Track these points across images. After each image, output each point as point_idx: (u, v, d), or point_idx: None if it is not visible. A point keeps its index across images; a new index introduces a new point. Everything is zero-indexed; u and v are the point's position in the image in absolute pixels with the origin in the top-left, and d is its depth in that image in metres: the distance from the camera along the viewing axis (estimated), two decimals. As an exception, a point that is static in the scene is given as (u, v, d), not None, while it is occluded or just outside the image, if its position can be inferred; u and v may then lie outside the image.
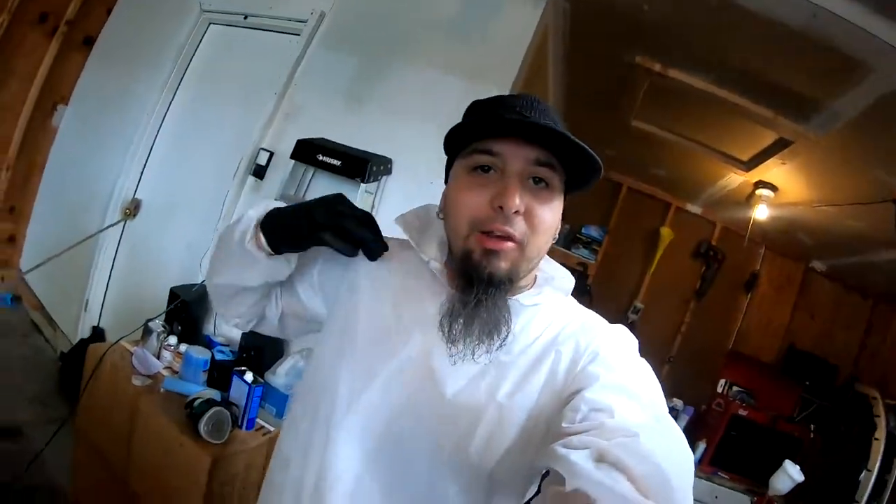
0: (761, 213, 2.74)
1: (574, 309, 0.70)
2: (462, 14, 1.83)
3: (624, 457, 0.45)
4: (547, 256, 0.70)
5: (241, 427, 1.67)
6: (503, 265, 0.60)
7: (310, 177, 1.85)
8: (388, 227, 0.73)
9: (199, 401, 1.60)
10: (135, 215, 2.30)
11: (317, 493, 0.62)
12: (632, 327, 2.83)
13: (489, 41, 1.76)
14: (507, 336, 0.62)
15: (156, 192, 2.31)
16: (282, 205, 0.72)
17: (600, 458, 0.46)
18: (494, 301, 0.61)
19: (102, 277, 2.36)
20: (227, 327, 1.95)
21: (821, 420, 3.13)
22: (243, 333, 1.83)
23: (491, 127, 0.61)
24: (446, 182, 0.70)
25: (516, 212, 0.59)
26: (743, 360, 3.20)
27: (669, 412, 0.61)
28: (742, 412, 2.66)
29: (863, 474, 2.60)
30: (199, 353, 1.77)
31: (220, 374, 1.74)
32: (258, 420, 1.71)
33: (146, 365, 1.77)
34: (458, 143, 0.65)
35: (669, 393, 2.92)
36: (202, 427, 1.54)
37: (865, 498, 2.53)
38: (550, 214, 0.62)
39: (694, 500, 0.48)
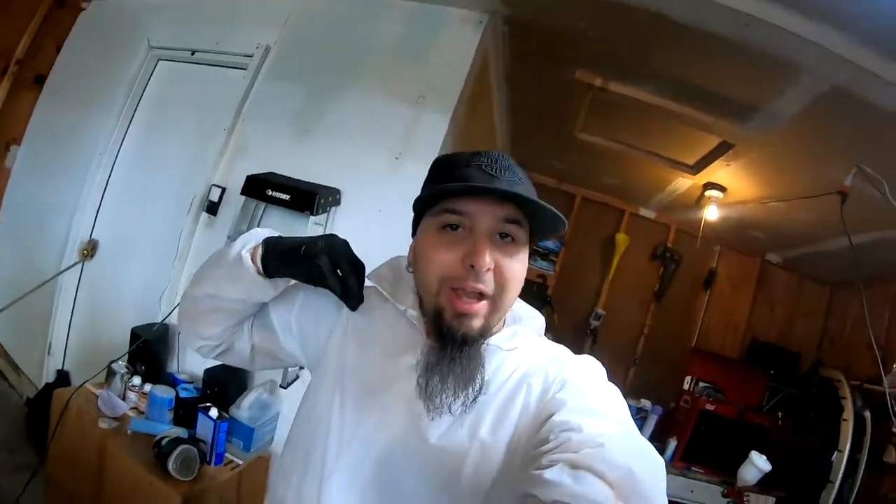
0: (711, 213, 2.82)
1: (541, 344, 0.73)
2: (404, 41, 1.87)
3: (595, 465, 0.47)
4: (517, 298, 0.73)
5: (209, 463, 1.68)
6: (475, 324, 0.63)
7: (261, 212, 1.87)
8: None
9: (166, 440, 1.61)
10: (92, 256, 2.28)
11: None
12: (594, 333, 2.89)
13: (431, 67, 1.81)
14: (481, 387, 0.64)
15: (112, 232, 2.29)
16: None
17: (573, 468, 0.47)
18: (469, 357, 0.63)
19: (64, 320, 2.33)
20: (189, 362, 1.95)
21: (790, 407, 3.21)
22: (206, 370, 1.84)
23: (462, 191, 0.63)
24: (413, 235, 0.72)
25: (487, 269, 0.61)
26: (707, 357, 3.27)
27: (638, 413, 0.65)
28: (709, 407, 2.72)
29: (834, 455, 2.67)
30: (164, 392, 1.77)
31: (185, 412, 1.75)
32: (226, 455, 1.72)
33: (112, 407, 1.76)
34: (428, 201, 0.67)
35: (637, 394, 2.99)
36: (171, 465, 1.54)
37: (839, 478, 2.60)
38: (519, 267, 0.64)
39: (669, 496, 0.50)
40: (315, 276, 0.70)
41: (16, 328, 2.55)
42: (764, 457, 1.96)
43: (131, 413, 1.78)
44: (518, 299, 0.73)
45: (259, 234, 0.75)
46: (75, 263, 2.30)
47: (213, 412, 1.67)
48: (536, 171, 3.36)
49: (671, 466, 2.75)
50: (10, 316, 2.50)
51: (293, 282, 0.76)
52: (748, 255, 3.65)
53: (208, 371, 1.82)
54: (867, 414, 2.66)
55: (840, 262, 3.08)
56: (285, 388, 1.77)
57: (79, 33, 2.65)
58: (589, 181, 3.51)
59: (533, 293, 3.28)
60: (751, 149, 2.34)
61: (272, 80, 2.01)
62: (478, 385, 0.63)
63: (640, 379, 3.50)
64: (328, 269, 0.68)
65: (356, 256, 0.72)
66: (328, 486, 0.65)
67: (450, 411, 0.62)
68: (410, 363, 0.66)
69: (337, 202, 1.75)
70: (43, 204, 2.52)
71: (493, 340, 0.67)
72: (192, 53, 2.20)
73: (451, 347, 0.63)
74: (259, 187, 1.76)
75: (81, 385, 1.83)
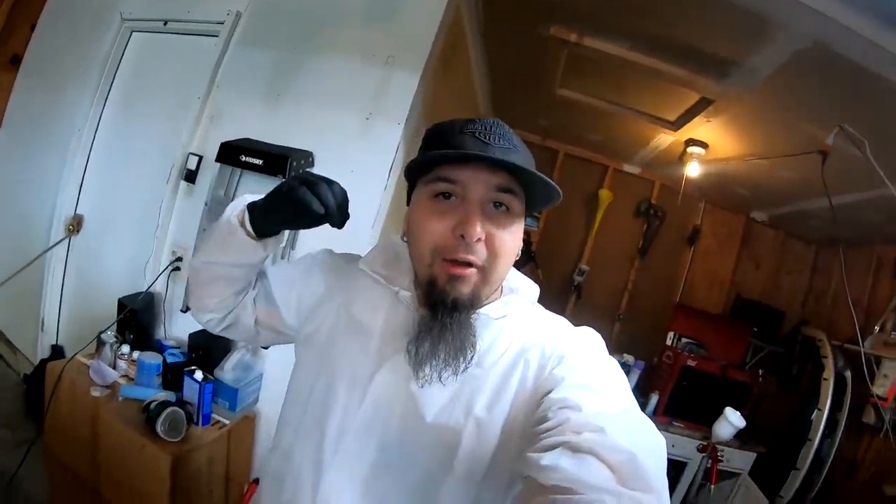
0: (693, 170, 2.82)
1: (540, 316, 0.73)
2: (373, 1, 1.85)
3: (596, 448, 0.47)
4: (513, 268, 0.72)
5: (197, 424, 1.73)
6: (465, 290, 0.62)
7: (237, 178, 1.89)
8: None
9: (154, 403, 1.66)
10: (78, 231, 2.31)
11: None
12: (578, 289, 2.92)
13: (400, 26, 1.79)
14: (472, 357, 0.63)
15: (96, 206, 2.31)
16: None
17: (573, 451, 0.47)
18: (459, 324, 0.63)
19: (55, 295, 2.38)
20: (176, 329, 1.99)
21: (773, 365, 3.25)
22: (191, 334, 1.88)
23: (455, 158, 0.62)
24: (408, 204, 0.71)
25: (478, 239, 0.61)
26: (690, 313, 3.29)
27: (621, 367, 0.65)
28: (691, 363, 2.76)
29: (814, 414, 2.72)
30: (152, 359, 1.82)
31: (173, 376, 1.79)
32: (213, 415, 1.78)
33: (103, 376, 1.81)
34: (421, 169, 0.66)
35: (621, 350, 3.04)
36: (159, 427, 1.60)
37: (818, 436, 2.65)
38: (511, 238, 0.63)
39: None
40: (299, 209, 0.66)
41: (8, 307, 2.60)
42: (738, 413, 2.00)
43: (121, 380, 1.83)
44: (513, 269, 0.72)
45: (246, 199, 0.75)
46: (62, 239, 2.33)
47: (198, 375, 1.72)
48: (520, 129, 3.28)
49: (654, 420, 2.81)
50: (1, 296, 2.54)
51: (282, 244, 0.78)
52: (733, 212, 3.64)
53: (193, 336, 1.87)
54: (848, 374, 2.70)
55: (824, 221, 3.09)
56: (266, 348, 1.81)
57: (52, 11, 2.62)
58: (572, 137, 3.48)
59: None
60: (730, 105, 2.33)
61: (244, 46, 2.00)
62: (469, 354, 0.63)
63: (625, 334, 3.53)
64: (305, 194, 0.65)
65: (334, 183, 0.69)
66: (328, 470, 0.66)
67: (440, 380, 0.62)
68: (403, 344, 0.66)
69: (310, 164, 1.76)
70: (26, 183, 2.53)
71: (483, 310, 0.66)
72: (165, 24, 2.19)
73: (442, 313, 0.63)
74: (233, 154, 1.77)
75: (72, 357, 1.88)
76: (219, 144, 1.80)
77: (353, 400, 0.67)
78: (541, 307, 0.75)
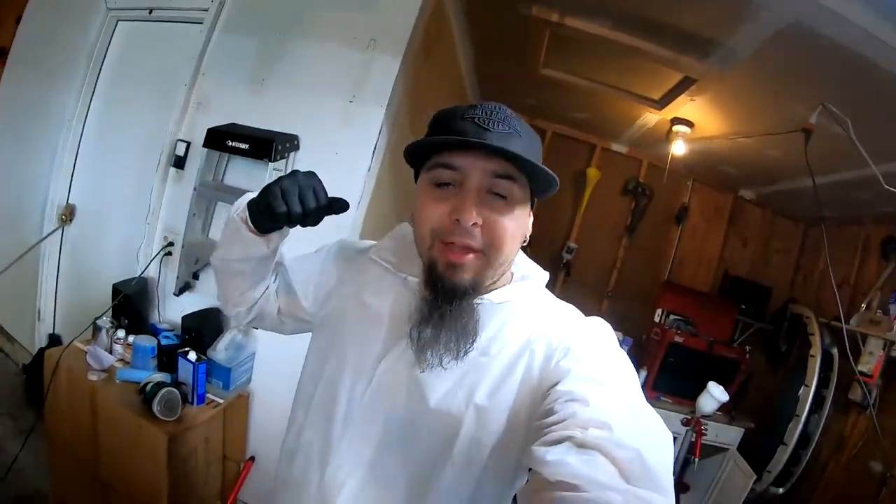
0: (679, 148, 2.84)
1: (548, 305, 0.72)
2: (354, -17, 1.87)
3: (603, 445, 0.46)
4: (521, 254, 0.73)
5: (192, 403, 1.77)
6: (466, 276, 0.63)
7: (225, 163, 1.92)
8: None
9: (150, 385, 1.70)
10: (71, 220, 2.34)
11: (321, 490, 0.68)
12: (567, 267, 2.95)
13: (381, 9, 1.80)
14: (473, 343, 0.64)
15: (88, 195, 2.34)
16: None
17: (579, 447, 0.47)
18: (460, 310, 0.64)
19: (50, 285, 2.41)
20: (169, 312, 2.04)
21: (762, 341, 3.29)
22: (184, 316, 1.92)
23: (449, 145, 0.63)
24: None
25: (474, 224, 0.61)
26: (678, 290, 3.33)
27: None
28: (678, 339, 2.80)
29: (801, 390, 2.76)
30: (146, 342, 1.85)
31: (167, 358, 1.84)
32: (208, 395, 1.82)
33: (99, 360, 1.85)
34: (422, 155, 0.67)
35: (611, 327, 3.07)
36: (156, 407, 1.64)
37: (805, 412, 2.70)
38: (512, 224, 0.63)
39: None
40: (270, 214, 0.68)
41: (4, 299, 2.63)
42: (721, 387, 2.04)
43: (118, 364, 1.87)
44: (524, 256, 0.74)
45: (248, 196, 0.77)
46: (55, 229, 2.36)
47: (192, 356, 1.76)
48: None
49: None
50: (-4, 287, 2.57)
51: (286, 237, 0.80)
52: (721, 190, 3.67)
53: (186, 318, 1.90)
54: (835, 351, 2.74)
55: (811, 201, 3.12)
56: (257, 328, 1.85)
57: (37, 3, 2.62)
58: (559, 116, 3.48)
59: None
60: (713, 84, 2.34)
61: (228, 32, 2.01)
62: (470, 340, 0.64)
63: (614, 311, 3.56)
64: (274, 199, 0.67)
65: (313, 181, 0.71)
66: (336, 451, 0.68)
67: (441, 364, 0.63)
68: (409, 329, 0.67)
69: (295, 147, 1.79)
70: (17, 175, 2.55)
71: (487, 295, 0.67)
72: (150, 12, 2.20)
73: (443, 300, 0.63)
74: (219, 139, 1.80)
75: (69, 343, 1.91)
76: (206, 130, 1.83)
77: (361, 383, 0.69)
78: (550, 294, 0.74)
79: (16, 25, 2.68)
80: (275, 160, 1.71)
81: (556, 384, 0.57)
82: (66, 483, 1.93)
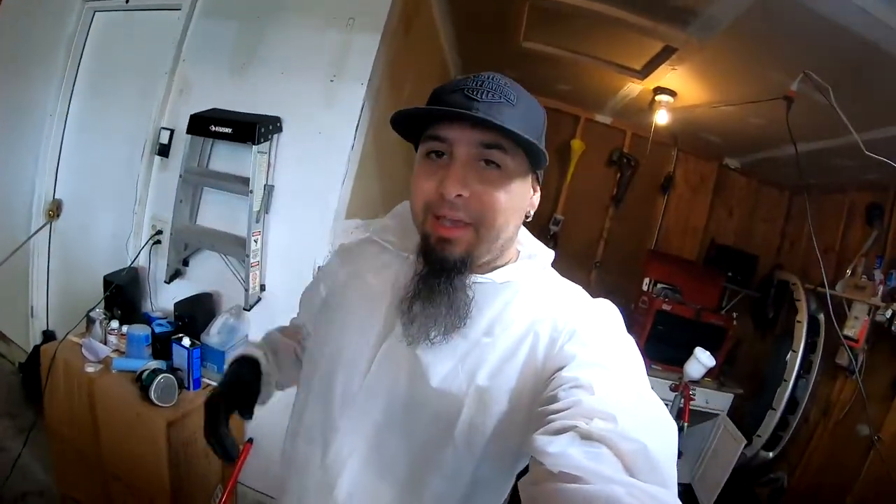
0: (662, 118, 2.86)
1: (554, 285, 0.70)
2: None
3: (608, 437, 0.45)
4: (527, 233, 0.73)
5: (188, 388, 1.79)
6: (457, 250, 0.61)
7: (209, 148, 1.93)
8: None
9: (146, 372, 1.72)
10: (58, 215, 2.33)
11: (323, 469, 0.69)
12: (554, 238, 2.96)
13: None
14: (464, 320, 0.63)
15: (74, 189, 2.33)
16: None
17: (583, 438, 0.46)
18: (452, 284, 0.62)
19: (41, 282, 2.42)
20: (162, 300, 2.06)
21: (750, 309, 3.35)
22: (176, 304, 1.93)
23: (428, 115, 0.62)
24: None
25: (460, 196, 0.59)
26: (665, 258, 3.37)
27: None
28: (666, 307, 2.84)
29: (789, 355, 2.81)
30: (140, 331, 1.86)
31: (162, 346, 1.85)
32: (203, 379, 1.84)
33: (95, 352, 1.86)
34: (417, 129, 0.65)
35: (598, 297, 3.09)
36: (153, 394, 1.66)
37: (793, 377, 2.76)
38: (504, 196, 0.60)
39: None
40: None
41: (-4, 299, 2.63)
42: (708, 353, 2.08)
43: (113, 355, 1.88)
44: (529, 234, 0.73)
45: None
46: (43, 225, 2.36)
47: (186, 341, 1.78)
48: None
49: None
50: (-12, 288, 2.57)
51: (269, 395, 0.85)
52: (706, 159, 3.68)
53: (178, 305, 1.92)
54: (821, 317, 2.78)
55: (794, 168, 3.16)
56: (248, 310, 1.87)
57: (13, -2, 2.59)
58: (542, 88, 3.42)
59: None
60: (694, 53, 2.35)
61: (207, 17, 2.01)
62: (461, 317, 0.63)
63: (601, 281, 3.61)
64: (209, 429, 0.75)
65: (219, 437, 0.74)
66: (338, 431, 0.68)
67: (428, 339, 0.63)
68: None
69: (279, 129, 1.80)
70: (2, 173, 2.54)
71: (490, 275, 0.65)
72: (127, 1, 2.18)
73: (434, 273, 0.63)
74: (203, 124, 1.81)
75: (64, 337, 1.92)
76: (189, 117, 1.84)
77: (362, 363, 0.68)
78: (556, 274, 0.72)
79: (-8, 20, 2.65)
80: (258, 143, 1.72)
81: (561, 369, 0.56)
82: (69, 476, 1.96)
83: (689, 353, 2.18)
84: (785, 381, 2.80)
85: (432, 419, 0.63)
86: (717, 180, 3.68)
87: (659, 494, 0.42)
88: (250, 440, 2.03)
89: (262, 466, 1.99)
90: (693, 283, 3.12)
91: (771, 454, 2.84)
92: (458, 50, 2.82)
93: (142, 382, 1.70)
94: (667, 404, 2.62)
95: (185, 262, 2.00)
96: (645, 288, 3.14)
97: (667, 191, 3.67)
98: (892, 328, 2.32)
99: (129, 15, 2.21)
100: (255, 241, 1.83)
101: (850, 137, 1.96)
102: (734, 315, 2.89)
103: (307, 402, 0.74)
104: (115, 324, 1.93)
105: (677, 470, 0.48)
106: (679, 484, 0.48)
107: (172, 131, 1.98)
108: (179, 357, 1.79)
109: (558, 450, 0.46)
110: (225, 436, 0.74)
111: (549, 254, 0.73)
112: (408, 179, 0.66)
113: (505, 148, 0.60)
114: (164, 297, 2.03)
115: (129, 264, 2.02)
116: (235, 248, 1.87)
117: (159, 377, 1.68)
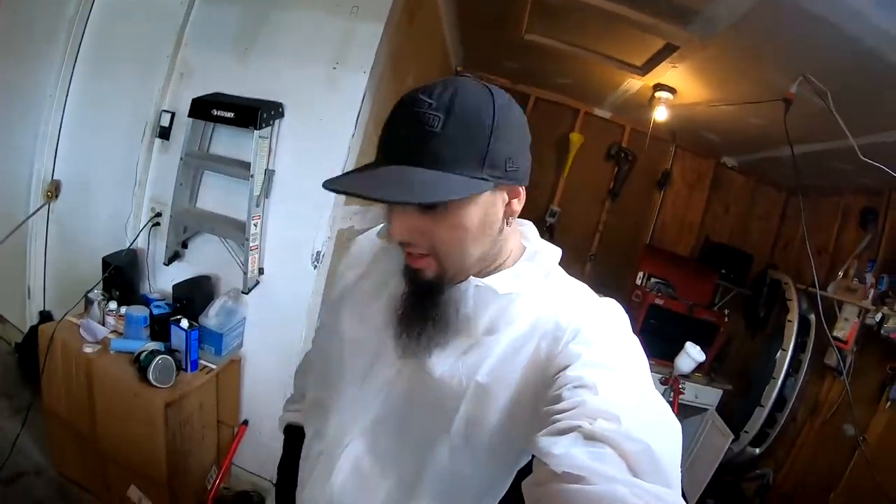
0: (661, 114, 2.87)
1: (559, 283, 0.69)
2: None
3: (612, 437, 0.46)
4: (533, 229, 0.72)
5: (185, 370, 1.81)
6: (428, 274, 0.63)
7: (210, 132, 1.93)
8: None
9: (144, 353, 1.74)
10: (57, 196, 2.33)
11: (323, 457, 0.71)
12: (550, 230, 2.99)
13: (364, -26, 1.81)
14: (447, 328, 0.64)
15: (73, 170, 2.32)
16: None
17: (587, 439, 0.46)
18: (434, 301, 0.63)
19: (39, 262, 2.41)
20: (160, 281, 2.07)
21: (742, 306, 3.38)
22: (174, 285, 1.95)
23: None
24: None
25: (401, 242, 0.61)
26: (659, 253, 3.39)
27: None
28: (658, 301, 2.87)
29: (778, 354, 2.84)
30: (138, 312, 1.88)
31: (160, 327, 1.87)
32: (200, 361, 1.86)
33: (93, 333, 1.87)
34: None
35: (592, 288, 3.12)
36: (151, 375, 1.68)
37: (782, 375, 2.78)
38: (449, 232, 0.59)
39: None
40: None
41: (-7, 279, 2.62)
42: (698, 347, 2.10)
43: (111, 335, 1.90)
44: (533, 231, 0.72)
45: None
46: (41, 206, 2.35)
47: (184, 323, 1.80)
48: (490, 72, 3.32)
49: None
50: (-17, 268, 2.56)
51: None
52: (703, 157, 3.70)
53: (177, 286, 1.94)
54: (812, 317, 2.81)
55: (791, 169, 3.17)
56: (247, 293, 1.89)
57: (14, -21, 2.57)
58: (542, 81, 3.48)
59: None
60: (695, 51, 2.36)
61: (210, 1, 2.00)
62: (446, 331, 0.64)
63: (596, 274, 3.64)
64: None
65: None
66: (344, 423, 0.70)
67: (415, 347, 0.64)
68: None
69: (280, 115, 1.81)
70: (1, 153, 2.53)
71: (488, 280, 0.64)
72: (129, -18, 2.18)
73: (416, 293, 0.65)
74: (205, 108, 1.82)
75: (62, 318, 1.93)
76: (190, 100, 1.84)
77: (364, 355, 0.70)
78: (562, 271, 0.71)
79: (-8, 3, 2.63)
80: (260, 128, 1.73)
81: (566, 368, 0.56)
82: (65, 456, 1.98)
83: (681, 347, 2.21)
84: (774, 378, 2.83)
85: (431, 413, 0.64)
86: (714, 178, 3.70)
87: (663, 494, 0.42)
88: (245, 422, 2.07)
89: (256, 448, 2.03)
90: (686, 279, 3.14)
91: (758, 450, 2.87)
92: (460, 41, 2.82)
93: (140, 363, 1.72)
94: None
95: (185, 245, 2.01)
96: (638, 282, 3.16)
97: (663, 186, 3.70)
98: (882, 331, 2.34)
99: (132, -3, 2.20)
100: (255, 225, 1.85)
101: (846, 141, 1.97)
102: (726, 312, 2.92)
103: (319, 395, 0.76)
104: (113, 305, 1.95)
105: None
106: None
107: (173, 114, 1.99)
108: (177, 338, 1.81)
109: (562, 450, 0.46)
110: None
111: (556, 252, 0.71)
112: None
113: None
114: (163, 279, 2.05)
115: (128, 246, 2.03)
116: (235, 231, 1.89)
117: (157, 358, 1.70)
